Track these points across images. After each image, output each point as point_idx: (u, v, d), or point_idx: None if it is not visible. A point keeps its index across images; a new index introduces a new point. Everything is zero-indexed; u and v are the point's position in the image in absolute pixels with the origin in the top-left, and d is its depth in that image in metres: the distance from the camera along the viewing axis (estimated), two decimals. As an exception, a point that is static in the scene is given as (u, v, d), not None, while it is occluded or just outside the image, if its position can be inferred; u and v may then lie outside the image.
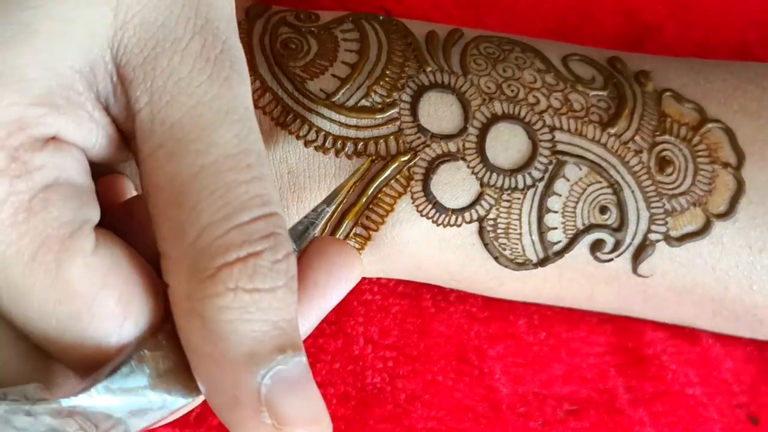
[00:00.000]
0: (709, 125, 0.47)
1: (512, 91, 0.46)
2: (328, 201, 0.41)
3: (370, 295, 0.51)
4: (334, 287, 0.37)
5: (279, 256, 0.33)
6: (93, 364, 0.33)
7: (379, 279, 0.50)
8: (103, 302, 0.32)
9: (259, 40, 0.45)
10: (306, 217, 0.39)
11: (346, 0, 0.55)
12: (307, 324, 0.37)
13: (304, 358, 0.33)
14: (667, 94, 0.47)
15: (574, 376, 0.50)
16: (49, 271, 0.31)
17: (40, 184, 0.31)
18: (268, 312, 0.32)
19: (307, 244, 0.38)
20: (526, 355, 0.51)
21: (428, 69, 0.46)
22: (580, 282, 0.47)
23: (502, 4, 0.57)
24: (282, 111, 0.44)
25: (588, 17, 0.57)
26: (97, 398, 0.32)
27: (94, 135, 0.34)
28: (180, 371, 0.33)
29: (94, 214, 0.33)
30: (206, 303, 0.32)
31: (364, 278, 0.50)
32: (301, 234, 0.38)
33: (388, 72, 0.45)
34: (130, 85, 0.33)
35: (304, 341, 0.45)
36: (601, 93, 0.47)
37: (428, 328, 0.50)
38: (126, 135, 0.35)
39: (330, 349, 0.49)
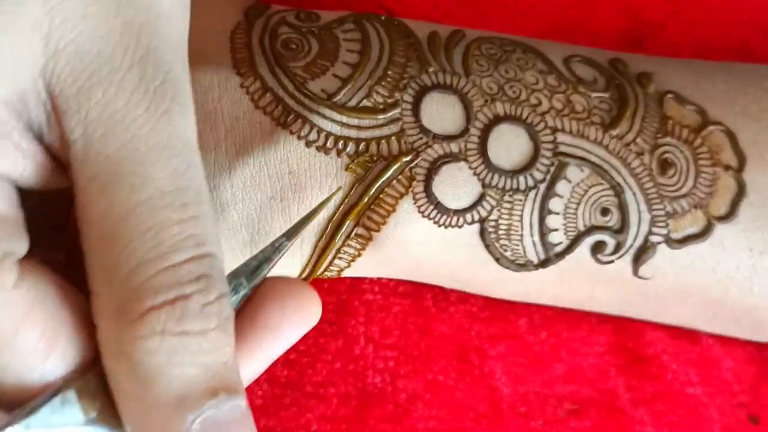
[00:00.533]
0: (711, 127, 0.47)
1: (514, 92, 0.46)
2: (288, 235, 0.40)
3: (371, 294, 0.51)
4: (286, 330, 0.37)
5: (210, 298, 0.32)
6: (19, 399, 0.32)
7: (380, 279, 0.50)
8: (24, 338, 0.31)
9: (259, 40, 0.45)
10: (262, 251, 0.38)
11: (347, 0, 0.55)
12: (256, 366, 0.37)
13: (241, 401, 0.33)
14: (669, 96, 0.47)
15: (575, 375, 0.51)
16: None
17: None
18: (198, 355, 0.32)
19: (261, 282, 0.37)
20: (526, 355, 0.51)
21: (430, 69, 0.46)
22: (581, 283, 0.47)
23: (502, 4, 0.57)
24: (283, 111, 0.44)
25: (589, 16, 0.57)
26: None
27: (20, 165, 0.33)
28: (109, 412, 0.33)
29: (19, 246, 0.32)
30: (134, 345, 0.31)
31: (364, 278, 0.50)
32: (254, 270, 0.37)
33: (390, 72, 0.45)
34: (64, 116, 0.32)
35: (304, 341, 0.46)
36: (603, 95, 0.47)
37: (429, 328, 0.51)
38: (63, 163, 0.34)
39: (331, 348, 0.49)
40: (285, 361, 0.48)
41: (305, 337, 0.48)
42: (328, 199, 0.43)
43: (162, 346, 0.31)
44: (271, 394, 0.48)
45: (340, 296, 0.51)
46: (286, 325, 0.37)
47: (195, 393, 0.32)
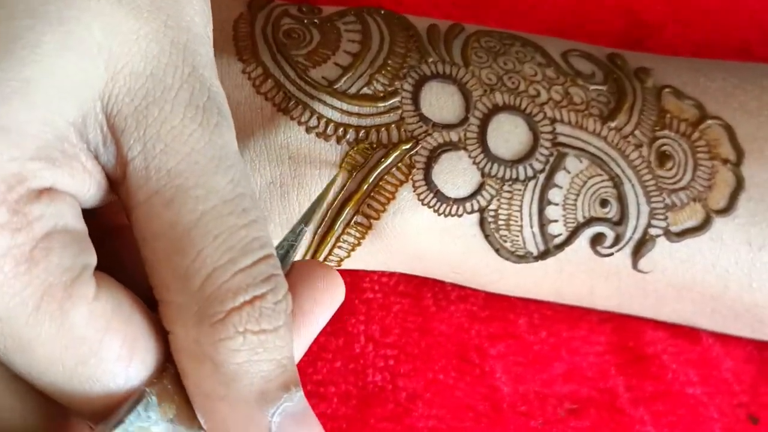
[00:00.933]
0: (709, 122, 0.47)
1: (513, 83, 0.46)
2: (305, 220, 0.40)
3: (371, 293, 0.51)
4: (320, 313, 0.37)
5: (279, 297, 0.33)
6: (102, 409, 0.33)
7: (380, 278, 0.51)
8: (109, 346, 0.32)
9: (262, 30, 0.46)
10: (285, 239, 0.39)
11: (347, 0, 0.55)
12: (298, 352, 0.37)
13: (302, 392, 0.34)
14: (667, 90, 0.48)
15: (575, 375, 0.51)
16: (54, 319, 0.31)
17: (40, 233, 0.31)
18: (273, 352, 0.33)
19: (289, 269, 0.38)
20: (526, 354, 0.51)
21: (430, 59, 0.46)
22: (581, 277, 0.48)
23: (501, 4, 0.57)
24: (284, 97, 0.44)
25: (588, 17, 0.58)
26: None
27: (87, 184, 0.34)
28: (184, 414, 0.34)
29: (92, 259, 0.33)
30: (218, 347, 0.32)
31: (365, 276, 0.50)
32: (282, 258, 0.38)
33: (389, 61, 0.46)
34: (122, 135, 0.33)
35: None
36: (600, 87, 0.47)
37: (429, 327, 0.51)
38: (113, 182, 0.35)
39: (331, 347, 0.50)
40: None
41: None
42: (333, 181, 0.44)
43: (244, 346, 0.32)
44: (272, 392, 0.48)
45: (341, 295, 0.51)
46: (319, 309, 0.37)
47: (273, 388, 0.33)
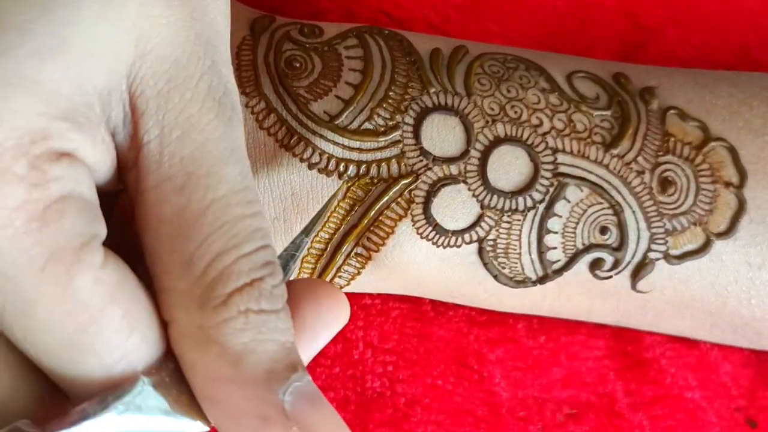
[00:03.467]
0: (713, 144, 0.48)
1: (515, 112, 0.47)
2: (306, 231, 0.42)
3: (369, 299, 0.52)
4: (322, 331, 0.38)
5: (276, 281, 0.35)
6: (95, 388, 0.34)
7: (378, 287, 0.52)
8: (110, 316, 0.33)
9: (264, 59, 0.46)
10: (285, 250, 0.40)
11: (347, 3, 0.55)
12: None
13: (309, 377, 0.35)
14: (672, 112, 0.48)
15: (574, 379, 0.52)
16: (59, 282, 0.32)
17: (57, 194, 0.32)
18: (275, 332, 0.34)
19: (291, 281, 0.39)
20: (525, 359, 0.52)
21: (432, 90, 0.47)
22: (579, 298, 0.49)
23: (502, 9, 0.57)
24: (286, 133, 0.45)
25: (589, 21, 0.58)
26: (92, 428, 0.33)
27: (104, 158, 0.34)
28: (180, 408, 0.35)
29: (102, 230, 0.34)
30: (222, 328, 0.33)
31: (361, 292, 0.51)
32: (283, 267, 0.39)
33: (391, 93, 0.46)
34: (141, 116, 0.34)
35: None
36: (604, 113, 0.48)
37: (428, 333, 0.52)
38: (122, 166, 0.36)
39: (329, 353, 0.51)
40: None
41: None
42: (335, 195, 0.45)
43: (248, 325, 0.33)
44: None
45: (340, 301, 0.51)
46: (321, 326, 0.38)
47: (280, 368, 0.34)
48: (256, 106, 0.45)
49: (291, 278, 0.41)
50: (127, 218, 0.37)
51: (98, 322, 0.32)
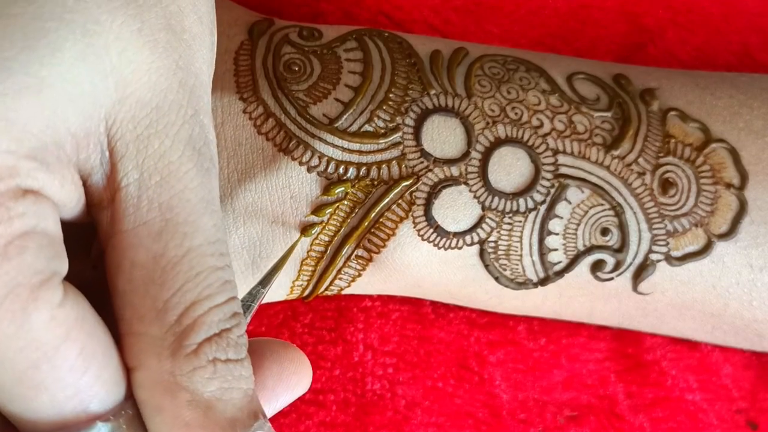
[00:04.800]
0: (714, 145, 0.48)
1: (516, 114, 0.47)
2: (263, 283, 0.43)
3: (369, 301, 0.52)
4: (281, 393, 0.40)
5: (241, 332, 0.36)
6: (46, 425, 0.34)
7: (378, 288, 0.52)
8: (65, 354, 0.33)
9: (262, 62, 0.47)
10: (242, 300, 0.41)
11: (347, 5, 0.55)
12: None
13: (270, 425, 0.36)
14: (672, 113, 0.49)
15: (575, 382, 0.52)
16: (14, 318, 0.32)
17: (19, 231, 0.32)
18: (240, 381, 0.35)
19: (257, 339, 0.40)
20: (526, 361, 0.52)
21: (432, 92, 0.47)
22: (580, 300, 0.49)
23: (503, 10, 0.58)
24: (285, 137, 0.46)
25: (589, 22, 0.58)
26: None
27: (71, 196, 0.35)
28: None
29: (64, 266, 0.34)
30: (193, 375, 0.35)
31: (361, 294, 0.52)
32: None
33: (391, 95, 0.47)
34: (120, 160, 0.35)
35: (303, 348, 0.48)
36: (605, 114, 0.48)
37: (428, 335, 0.52)
38: (94, 204, 0.36)
39: (330, 355, 0.51)
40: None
41: (304, 343, 0.50)
42: (293, 247, 0.46)
43: (216, 374, 0.35)
44: (271, 402, 0.49)
45: (339, 303, 0.52)
46: (282, 388, 0.40)
47: (243, 415, 0.35)
48: (254, 111, 0.46)
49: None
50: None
51: (51, 360, 0.33)
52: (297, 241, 0.46)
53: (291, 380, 0.40)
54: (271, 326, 0.51)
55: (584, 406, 0.52)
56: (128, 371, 0.35)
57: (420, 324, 0.52)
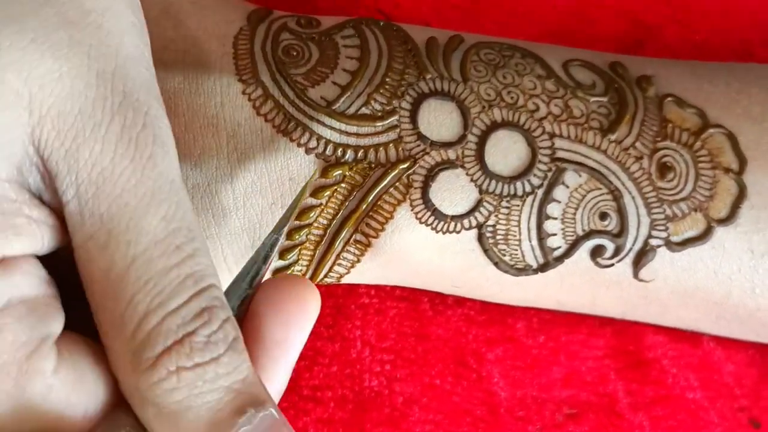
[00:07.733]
0: (711, 130, 0.49)
1: (512, 98, 0.48)
2: (276, 230, 0.42)
3: (367, 298, 0.53)
4: (293, 339, 0.39)
5: (214, 328, 0.35)
6: None
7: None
8: (69, 420, 0.34)
9: (261, 47, 0.48)
10: (256, 252, 0.41)
11: (344, 3, 0.56)
12: (280, 380, 0.39)
13: (272, 410, 0.35)
14: (669, 99, 0.50)
15: (574, 379, 0.53)
16: (9, 397, 0.32)
17: None
18: (216, 381, 0.35)
19: (257, 293, 0.40)
20: (525, 359, 0.53)
21: (428, 76, 0.48)
22: (582, 287, 0.50)
23: (500, 8, 0.59)
24: (284, 119, 0.46)
25: (588, 19, 0.60)
26: None
27: (38, 235, 0.35)
28: None
29: (54, 325, 0.34)
30: (154, 390, 0.34)
31: (361, 283, 0.52)
32: (257, 272, 0.40)
33: (388, 79, 0.48)
34: (56, 178, 0.35)
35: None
36: (601, 99, 0.49)
37: (426, 332, 0.53)
38: (61, 218, 0.36)
39: (327, 352, 0.52)
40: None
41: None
42: (305, 187, 0.46)
43: (181, 383, 0.34)
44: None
45: (337, 300, 0.53)
46: (292, 334, 0.39)
47: (224, 416, 0.34)
48: (253, 93, 0.47)
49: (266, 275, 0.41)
50: None
51: (57, 428, 0.33)
52: (310, 179, 0.46)
53: (298, 320, 0.39)
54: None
55: (583, 404, 0.52)
56: None
57: (418, 321, 0.53)
